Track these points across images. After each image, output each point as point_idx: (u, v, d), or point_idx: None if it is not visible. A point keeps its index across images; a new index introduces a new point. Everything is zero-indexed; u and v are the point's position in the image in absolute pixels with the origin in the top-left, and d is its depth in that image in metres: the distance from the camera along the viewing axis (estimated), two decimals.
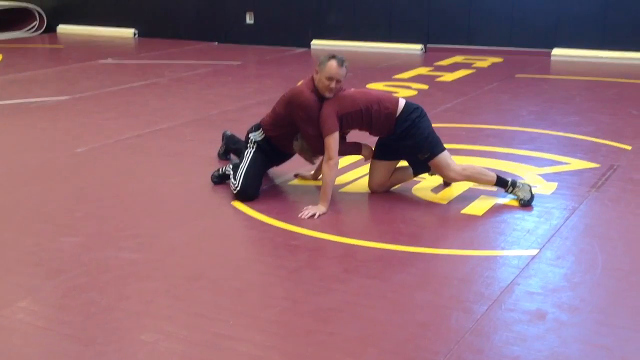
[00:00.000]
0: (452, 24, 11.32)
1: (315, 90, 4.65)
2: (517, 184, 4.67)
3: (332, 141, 4.57)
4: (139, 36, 13.70)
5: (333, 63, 4.59)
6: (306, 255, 3.97)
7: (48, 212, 4.64)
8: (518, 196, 4.63)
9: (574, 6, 10.50)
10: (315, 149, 4.84)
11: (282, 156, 5.09)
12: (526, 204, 4.59)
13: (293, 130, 4.80)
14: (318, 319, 3.25)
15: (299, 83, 4.79)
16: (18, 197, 4.97)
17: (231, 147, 5.62)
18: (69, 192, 5.03)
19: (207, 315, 3.27)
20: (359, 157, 5.57)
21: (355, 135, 4.98)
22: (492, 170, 4.88)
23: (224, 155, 5.72)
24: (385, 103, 4.69)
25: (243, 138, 5.13)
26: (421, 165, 4.85)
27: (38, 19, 14.17)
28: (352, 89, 4.85)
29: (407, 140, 4.69)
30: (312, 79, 4.69)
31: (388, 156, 4.85)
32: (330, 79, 4.58)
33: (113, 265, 3.82)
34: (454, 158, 4.80)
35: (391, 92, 5.16)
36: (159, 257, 3.93)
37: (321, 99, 4.65)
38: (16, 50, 12.26)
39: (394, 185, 4.98)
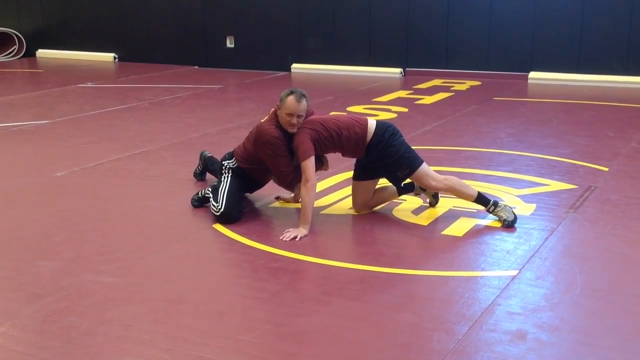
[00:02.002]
0: (430, 48, 11.45)
1: (280, 124, 4.69)
2: (499, 205, 4.71)
3: (309, 164, 4.58)
4: (119, 60, 13.71)
5: (291, 99, 4.60)
6: (287, 278, 3.96)
7: (27, 237, 4.61)
8: (501, 217, 4.66)
9: (550, 30, 10.68)
10: (285, 184, 4.87)
11: (256, 184, 5.10)
12: (509, 224, 4.62)
13: (264, 166, 4.83)
14: (299, 341, 3.24)
15: (265, 118, 4.83)
16: None
17: (209, 168, 5.63)
18: (48, 217, 5.00)
19: (188, 339, 3.25)
20: (339, 179, 5.61)
21: (330, 157, 5.01)
22: None
23: (200, 176, 5.74)
24: (355, 128, 4.72)
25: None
26: (404, 184, 4.91)
27: (17, 43, 14.15)
28: (322, 115, 4.89)
29: (384, 160, 4.73)
30: (276, 113, 4.72)
31: (367, 176, 4.88)
32: (290, 114, 4.61)
33: (93, 289, 3.79)
34: None
35: (362, 115, 5.17)
36: (139, 281, 3.91)
37: (287, 132, 4.68)
38: None
39: (379, 204, 5.01)
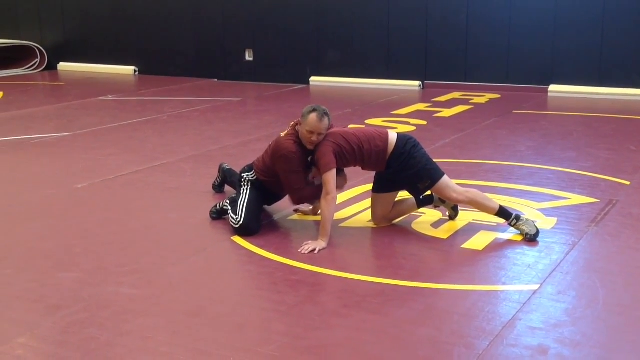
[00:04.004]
0: (449, 60, 11.43)
1: (299, 140, 4.69)
2: (521, 218, 4.67)
3: (330, 177, 4.58)
4: (139, 73, 13.81)
5: (314, 117, 4.59)
6: (306, 291, 3.95)
7: (47, 248, 4.64)
8: (523, 230, 4.62)
9: (570, 43, 10.62)
10: (294, 200, 4.86)
11: (274, 197, 5.11)
12: (532, 238, 4.58)
13: (279, 181, 4.83)
14: (318, 355, 3.23)
15: (284, 133, 4.84)
16: (17, 233, 4.96)
17: (228, 180, 5.65)
18: (69, 228, 5.03)
19: (207, 351, 3.25)
20: (358, 192, 5.60)
21: (348, 170, 5.00)
22: None
23: (218, 188, 5.75)
24: (376, 141, 4.71)
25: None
26: (424, 196, 4.89)
27: (39, 56, 14.30)
28: (343, 128, 4.88)
29: (406, 171, 4.71)
30: (296, 128, 4.73)
31: (387, 188, 4.86)
32: (310, 132, 4.61)
33: (112, 301, 3.80)
34: None
35: (383, 128, 5.16)
36: (158, 293, 3.92)
37: (305, 148, 4.69)
38: (17, 87, 12.35)
39: (398, 217, 4.99)
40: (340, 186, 4.90)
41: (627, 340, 3.36)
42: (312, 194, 4.79)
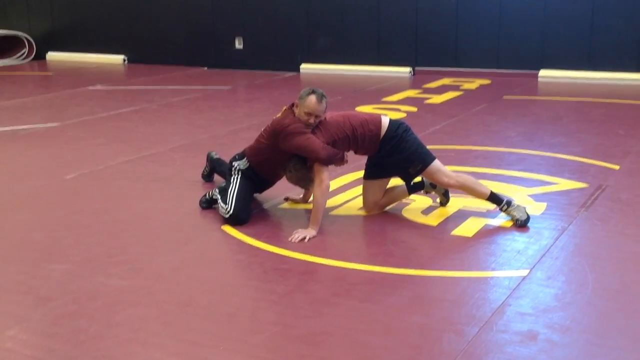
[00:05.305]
0: (439, 46, 11.41)
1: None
2: (512, 204, 4.68)
3: (324, 166, 4.58)
4: (128, 62, 13.74)
5: (313, 98, 4.59)
6: (296, 279, 3.95)
7: (36, 240, 4.62)
8: (513, 216, 4.63)
9: (560, 28, 10.61)
10: (324, 158, 4.62)
11: (265, 184, 5.09)
12: (522, 224, 4.58)
13: (276, 159, 4.79)
14: (309, 344, 3.23)
15: (278, 115, 4.81)
16: (6, 224, 4.94)
17: (217, 170, 5.63)
18: (58, 219, 5.01)
19: (197, 341, 3.25)
20: (349, 179, 5.59)
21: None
22: None
23: (207, 177, 5.74)
24: (369, 125, 4.71)
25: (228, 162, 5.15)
26: (414, 183, 4.89)
27: (27, 46, 14.20)
28: (335, 114, 4.85)
29: (397, 155, 4.71)
30: (292, 110, 4.70)
31: (378, 175, 4.86)
32: (309, 114, 4.60)
33: (102, 292, 3.79)
34: None
35: (376, 113, 5.14)
36: (148, 284, 3.91)
37: None
38: (5, 77, 12.27)
39: (389, 204, 4.99)
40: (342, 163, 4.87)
41: (616, 325, 3.37)
42: (334, 151, 4.66)
